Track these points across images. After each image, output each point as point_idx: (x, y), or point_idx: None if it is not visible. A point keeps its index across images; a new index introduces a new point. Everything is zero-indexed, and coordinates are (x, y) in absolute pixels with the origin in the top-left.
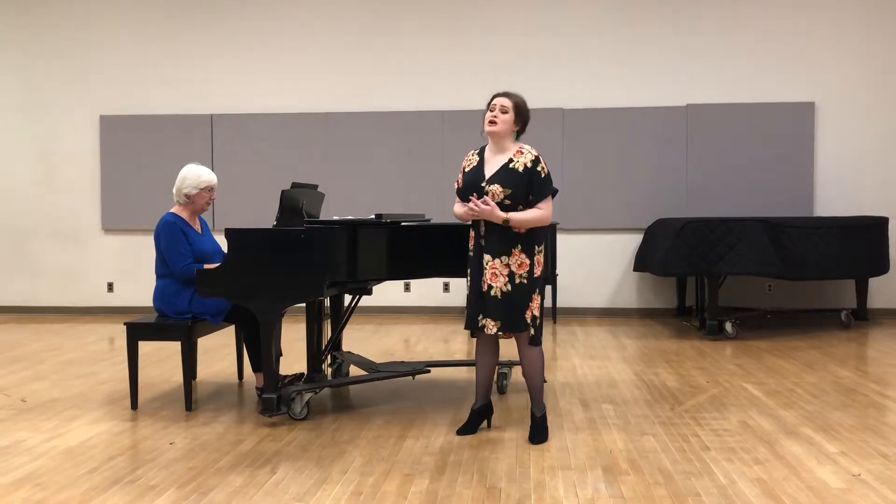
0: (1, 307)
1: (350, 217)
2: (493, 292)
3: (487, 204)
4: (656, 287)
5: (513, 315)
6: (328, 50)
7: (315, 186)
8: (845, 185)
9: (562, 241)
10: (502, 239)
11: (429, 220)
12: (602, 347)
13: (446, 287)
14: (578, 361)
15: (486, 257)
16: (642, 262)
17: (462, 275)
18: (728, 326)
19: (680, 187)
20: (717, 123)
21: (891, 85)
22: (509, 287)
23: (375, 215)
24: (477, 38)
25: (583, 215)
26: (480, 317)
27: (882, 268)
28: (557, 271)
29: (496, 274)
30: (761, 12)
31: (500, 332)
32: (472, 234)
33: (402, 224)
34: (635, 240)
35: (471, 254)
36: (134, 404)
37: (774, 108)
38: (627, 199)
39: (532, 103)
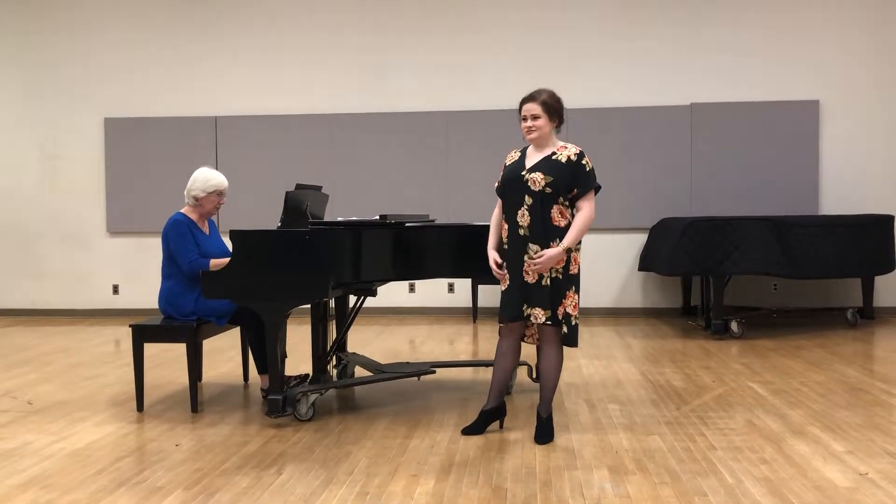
0: (7, 310)
1: (354, 218)
2: (543, 281)
3: (542, 256)
4: (661, 287)
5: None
6: (332, 51)
7: (319, 188)
8: (850, 183)
9: None
10: (545, 231)
11: (433, 221)
12: (607, 347)
13: (451, 288)
14: (584, 361)
15: (535, 247)
16: (647, 261)
17: (466, 275)
18: (734, 326)
19: (684, 186)
20: (722, 122)
21: None
22: (547, 280)
23: (380, 216)
24: (479, 39)
25: None
26: (525, 307)
27: (888, 266)
28: None
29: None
30: (765, 10)
31: (548, 322)
32: (505, 226)
33: (407, 225)
34: (640, 239)
35: (506, 246)
36: (140, 406)
37: (779, 106)
38: (632, 198)
39: None
